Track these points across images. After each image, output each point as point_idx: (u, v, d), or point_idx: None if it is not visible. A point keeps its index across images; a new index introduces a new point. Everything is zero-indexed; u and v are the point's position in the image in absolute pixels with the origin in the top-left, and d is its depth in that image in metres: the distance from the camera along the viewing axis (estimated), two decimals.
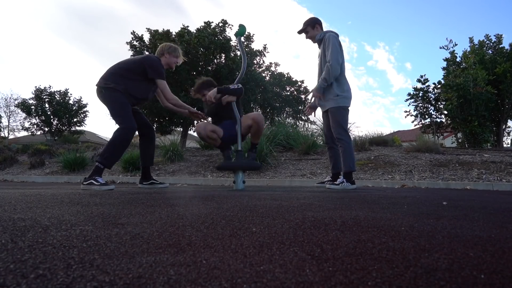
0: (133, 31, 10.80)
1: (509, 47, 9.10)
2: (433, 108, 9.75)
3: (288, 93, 16.38)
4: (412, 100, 9.75)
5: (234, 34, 3.09)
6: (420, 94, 9.60)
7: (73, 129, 17.24)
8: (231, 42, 10.90)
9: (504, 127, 9.31)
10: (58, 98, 16.75)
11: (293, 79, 16.60)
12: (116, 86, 2.72)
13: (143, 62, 2.80)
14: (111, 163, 2.68)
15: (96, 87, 2.79)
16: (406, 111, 10.21)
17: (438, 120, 9.71)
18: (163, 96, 3.00)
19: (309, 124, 14.06)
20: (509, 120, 9.46)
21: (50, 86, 16.99)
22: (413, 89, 9.71)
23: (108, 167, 2.69)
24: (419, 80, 9.68)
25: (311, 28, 3.23)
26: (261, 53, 13.05)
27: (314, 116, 3.58)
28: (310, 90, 3.25)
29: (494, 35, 9.40)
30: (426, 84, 9.61)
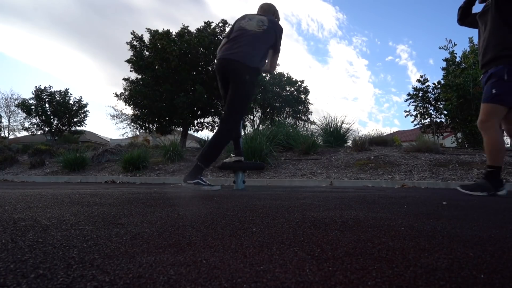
0: (133, 31, 10.80)
1: None
2: (433, 108, 9.76)
3: (288, 93, 16.39)
4: (412, 100, 9.76)
5: None
6: (420, 94, 9.61)
7: (73, 129, 17.25)
8: None
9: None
10: (58, 98, 16.75)
11: (293, 79, 16.61)
12: (259, 68, 2.52)
13: (276, 32, 2.58)
14: (210, 163, 2.52)
15: (233, 60, 2.44)
16: (406, 111, 10.22)
17: (438, 120, 9.71)
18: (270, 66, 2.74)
19: (309, 124, 14.09)
20: None
21: (50, 86, 17.02)
22: (412, 89, 9.72)
23: (207, 167, 2.54)
24: (418, 80, 9.68)
25: None
26: None
27: None
28: None
29: None
30: (426, 84, 9.62)
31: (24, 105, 16.32)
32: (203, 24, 11.01)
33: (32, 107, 16.27)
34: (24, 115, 17.06)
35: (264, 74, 14.23)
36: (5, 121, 26.74)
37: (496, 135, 2.31)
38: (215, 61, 2.62)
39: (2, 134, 25.89)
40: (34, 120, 16.66)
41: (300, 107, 16.26)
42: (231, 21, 10.92)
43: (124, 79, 10.99)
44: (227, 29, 11.01)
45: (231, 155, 2.78)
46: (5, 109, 27.17)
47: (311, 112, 16.87)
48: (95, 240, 0.77)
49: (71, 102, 17.08)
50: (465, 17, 2.63)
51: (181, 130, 11.55)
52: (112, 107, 32.17)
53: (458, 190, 2.59)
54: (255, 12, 2.88)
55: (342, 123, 7.20)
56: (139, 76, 10.75)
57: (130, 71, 10.71)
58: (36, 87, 16.68)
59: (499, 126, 2.35)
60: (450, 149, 6.67)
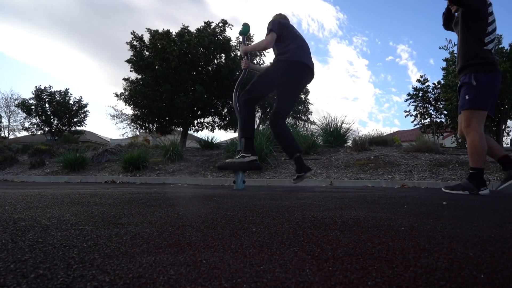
0: (133, 31, 10.79)
1: (509, 47, 9.10)
2: (433, 108, 9.76)
3: None
4: (412, 100, 9.76)
5: (239, 33, 3.08)
6: (420, 94, 9.61)
7: (73, 129, 17.23)
8: (231, 42, 10.89)
9: (504, 127, 9.30)
10: (58, 98, 16.74)
11: None
12: None
13: None
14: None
15: (310, 68, 2.76)
16: (406, 111, 10.22)
17: (438, 120, 9.71)
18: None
19: (309, 124, 14.08)
20: (509, 120, 9.46)
21: (50, 86, 17.00)
22: (412, 89, 9.72)
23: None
24: (418, 80, 9.69)
25: None
26: (261, 53, 13.05)
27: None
28: None
29: None
30: (426, 84, 9.62)
31: (24, 105, 16.30)
32: (203, 24, 11.01)
33: (32, 107, 16.25)
34: (24, 115, 17.04)
35: None
36: (5, 121, 26.75)
37: (477, 139, 2.38)
38: (300, 64, 2.70)
39: (2, 134, 25.90)
40: (34, 120, 16.64)
41: (300, 107, 16.25)
42: (231, 21, 10.91)
43: (124, 79, 10.99)
44: (227, 29, 10.99)
45: (244, 155, 2.72)
46: (5, 109, 27.19)
47: (311, 112, 16.85)
48: (95, 240, 0.77)
49: (71, 102, 17.06)
50: (448, 22, 2.74)
51: (181, 130, 11.54)
52: (112, 107, 32.16)
53: (444, 191, 2.58)
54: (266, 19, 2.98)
55: (342, 123, 7.20)
56: (139, 76, 10.74)
57: (130, 71, 10.70)
58: (36, 87, 16.66)
59: (482, 130, 2.42)
60: (450, 149, 6.67)
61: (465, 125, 2.45)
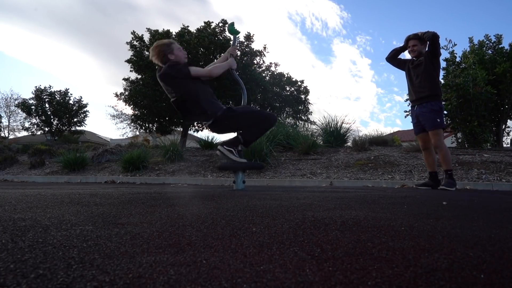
0: (133, 31, 10.79)
1: (509, 47, 9.10)
2: None
3: (288, 93, 16.40)
4: None
5: (231, 33, 3.13)
6: None
7: (73, 129, 17.23)
8: (231, 42, 10.90)
9: (504, 127, 9.30)
10: (58, 98, 16.75)
11: (293, 79, 16.63)
12: None
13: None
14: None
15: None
16: (406, 111, 10.21)
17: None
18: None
19: (309, 124, 14.09)
20: (509, 120, 9.45)
21: (50, 86, 17.01)
22: None
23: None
24: None
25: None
26: (261, 53, 13.05)
27: None
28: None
29: (494, 35, 9.40)
30: None
31: (24, 105, 16.31)
32: (203, 24, 11.01)
33: (32, 107, 16.26)
34: (24, 115, 17.06)
35: (264, 74, 14.24)
36: (5, 121, 26.79)
37: (446, 150, 3.17)
38: None
39: (2, 134, 25.91)
40: (34, 120, 16.65)
41: (300, 107, 16.27)
42: (233, 21, 10.95)
43: (124, 79, 10.99)
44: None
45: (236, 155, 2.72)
46: (5, 109, 27.22)
47: (312, 112, 16.89)
48: (95, 240, 0.77)
49: (71, 102, 17.07)
50: (395, 58, 3.47)
51: (181, 130, 11.54)
52: (112, 107, 32.12)
53: (458, 190, 2.95)
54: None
55: (342, 123, 7.20)
56: (139, 76, 10.75)
57: (130, 71, 10.71)
58: (36, 87, 16.69)
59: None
60: (450, 149, 6.67)
61: (436, 141, 3.14)
